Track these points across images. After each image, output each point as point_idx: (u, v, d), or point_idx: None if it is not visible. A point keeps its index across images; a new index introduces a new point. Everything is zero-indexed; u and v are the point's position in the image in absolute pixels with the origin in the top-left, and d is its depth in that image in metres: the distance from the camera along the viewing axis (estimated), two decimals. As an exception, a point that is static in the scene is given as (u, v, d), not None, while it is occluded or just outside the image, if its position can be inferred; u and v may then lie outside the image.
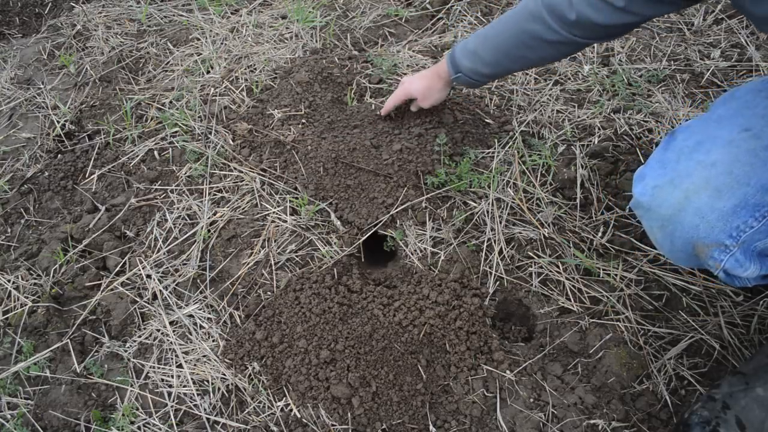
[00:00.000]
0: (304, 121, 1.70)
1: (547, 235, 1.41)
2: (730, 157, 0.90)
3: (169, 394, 1.24)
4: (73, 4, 2.51)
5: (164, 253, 1.47)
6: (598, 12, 1.05)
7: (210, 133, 1.72)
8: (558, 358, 1.26)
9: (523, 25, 1.17)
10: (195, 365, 1.27)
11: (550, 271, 1.36)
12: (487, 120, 1.67)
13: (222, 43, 2.09)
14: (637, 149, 1.55)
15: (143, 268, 1.43)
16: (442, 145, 1.53)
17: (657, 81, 1.77)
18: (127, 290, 1.41)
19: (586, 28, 1.09)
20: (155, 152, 1.73)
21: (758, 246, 0.92)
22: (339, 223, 1.46)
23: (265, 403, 1.21)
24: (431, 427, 1.16)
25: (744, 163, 0.89)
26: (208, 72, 1.96)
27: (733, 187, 0.89)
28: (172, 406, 1.22)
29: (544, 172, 1.54)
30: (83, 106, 1.94)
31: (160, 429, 1.19)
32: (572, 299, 1.32)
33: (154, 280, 1.41)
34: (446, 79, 1.44)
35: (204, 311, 1.35)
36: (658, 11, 1.05)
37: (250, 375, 1.25)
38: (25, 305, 1.40)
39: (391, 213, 1.44)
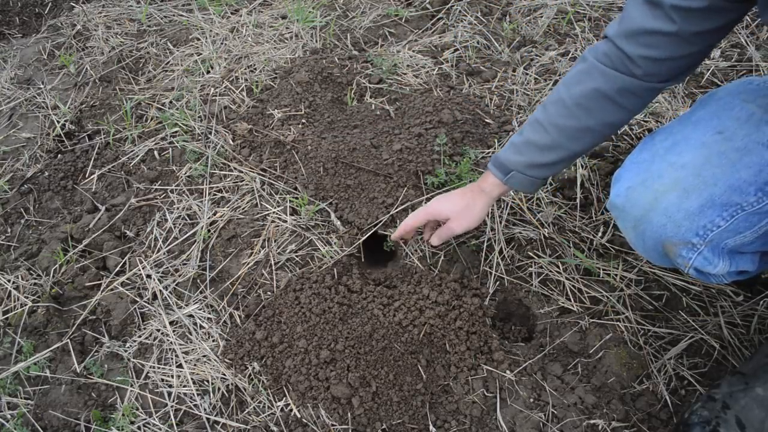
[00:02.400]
0: (304, 121, 1.70)
1: (547, 235, 1.41)
2: (701, 159, 0.92)
3: (169, 394, 1.24)
4: (73, 4, 2.51)
5: (164, 253, 1.47)
6: (655, 48, 0.93)
7: (210, 133, 1.72)
8: (558, 358, 1.26)
9: (576, 88, 1.02)
10: (195, 365, 1.27)
11: (550, 271, 1.36)
12: (487, 120, 1.67)
13: (222, 43, 2.09)
14: (637, 149, 1.55)
15: (143, 268, 1.43)
16: (442, 145, 1.53)
17: (657, 81, 1.77)
18: (127, 290, 1.41)
19: (652, 72, 0.96)
20: (155, 152, 1.73)
21: (728, 244, 0.94)
22: (339, 223, 1.46)
23: (265, 403, 1.21)
24: (431, 427, 1.16)
25: (714, 165, 0.91)
26: (208, 72, 1.96)
27: (701, 187, 0.91)
28: (172, 406, 1.22)
29: (544, 172, 1.54)
30: (83, 106, 1.94)
31: (160, 429, 1.19)
32: (572, 299, 1.32)
33: (154, 280, 1.41)
34: (491, 192, 1.20)
35: (204, 311, 1.35)
36: (711, 24, 0.90)
37: (250, 375, 1.25)
38: (25, 305, 1.40)
39: (391, 213, 1.44)
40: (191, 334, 1.32)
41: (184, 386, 1.24)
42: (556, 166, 1.11)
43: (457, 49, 1.96)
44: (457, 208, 1.21)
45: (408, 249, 1.42)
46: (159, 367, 1.28)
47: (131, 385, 1.26)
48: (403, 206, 1.44)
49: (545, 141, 1.07)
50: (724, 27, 0.92)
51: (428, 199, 1.46)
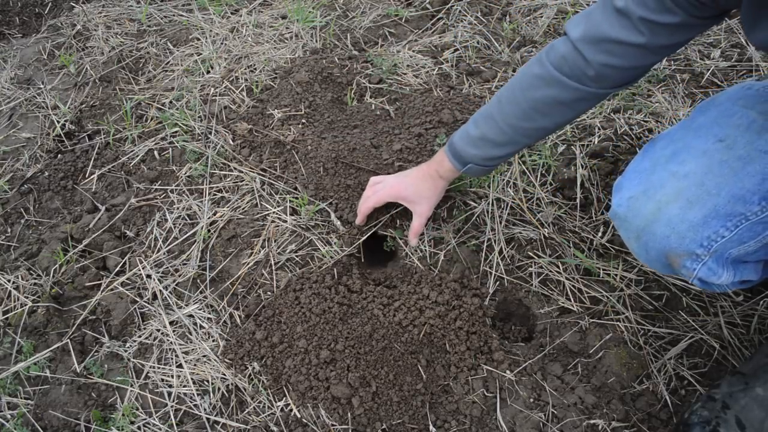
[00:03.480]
0: (304, 121, 1.70)
1: (547, 235, 1.41)
2: (703, 168, 0.91)
3: (169, 394, 1.24)
4: (73, 4, 2.51)
5: (164, 253, 1.47)
6: (619, 57, 0.94)
7: (210, 133, 1.72)
8: (558, 358, 1.26)
9: (533, 93, 1.05)
10: (195, 365, 1.27)
11: (550, 271, 1.36)
12: (487, 120, 1.67)
13: (222, 43, 2.09)
14: (637, 149, 1.55)
15: (143, 268, 1.43)
16: (442, 145, 1.53)
17: (657, 81, 1.77)
18: (127, 290, 1.41)
19: (606, 77, 0.98)
20: (155, 152, 1.73)
21: (732, 254, 0.93)
22: (339, 223, 1.46)
23: (265, 403, 1.21)
24: (431, 427, 1.17)
25: (716, 174, 0.90)
26: (208, 72, 1.96)
27: (704, 198, 0.90)
28: (172, 406, 1.22)
29: (544, 172, 1.54)
30: (83, 106, 1.94)
31: (160, 429, 1.19)
32: (572, 299, 1.32)
33: (154, 280, 1.41)
34: (448, 178, 1.28)
35: (204, 311, 1.35)
36: (680, 38, 0.92)
37: (250, 375, 1.25)
38: (25, 305, 1.40)
39: (391, 213, 1.44)
40: (191, 334, 1.32)
41: (184, 386, 1.24)
42: (509, 156, 1.22)
43: (457, 49, 1.96)
44: (421, 193, 1.30)
45: (408, 249, 1.42)
46: (159, 367, 1.28)
47: (131, 385, 1.26)
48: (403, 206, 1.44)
49: (501, 139, 1.14)
50: (689, 40, 0.94)
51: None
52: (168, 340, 1.31)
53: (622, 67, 0.95)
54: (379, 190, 1.34)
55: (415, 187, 1.31)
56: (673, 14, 0.86)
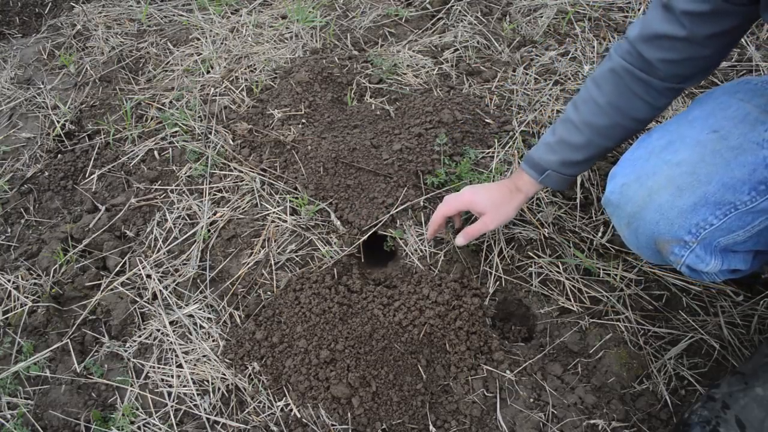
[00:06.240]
0: (304, 121, 1.70)
1: (547, 235, 1.41)
2: (696, 157, 0.92)
3: (169, 394, 1.24)
4: (73, 4, 2.51)
5: (164, 253, 1.47)
6: (669, 51, 0.97)
7: (210, 133, 1.72)
8: (558, 358, 1.26)
9: (607, 86, 1.07)
10: (195, 365, 1.27)
11: (550, 271, 1.36)
12: (487, 120, 1.67)
13: (222, 43, 2.09)
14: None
15: (143, 268, 1.43)
16: (442, 145, 1.53)
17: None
18: (127, 290, 1.41)
19: (668, 72, 1.01)
20: (155, 152, 1.73)
21: (721, 242, 0.94)
22: (339, 223, 1.46)
23: (265, 403, 1.21)
24: (431, 427, 1.17)
25: (708, 164, 0.91)
26: (208, 72, 1.96)
27: (694, 185, 0.91)
28: (172, 406, 1.22)
29: (544, 172, 1.54)
30: (83, 106, 1.94)
31: (160, 429, 1.19)
32: (572, 299, 1.32)
33: (154, 280, 1.41)
34: (527, 191, 1.23)
35: (204, 311, 1.35)
36: (719, 27, 0.93)
37: (250, 375, 1.25)
38: (25, 305, 1.40)
39: (391, 213, 1.44)
40: (191, 334, 1.32)
41: (184, 386, 1.24)
42: (588, 163, 1.17)
43: (457, 49, 1.96)
44: (494, 202, 1.23)
45: (408, 249, 1.42)
46: (159, 367, 1.28)
47: (131, 385, 1.26)
48: (403, 206, 1.44)
49: (579, 140, 1.12)
50: (731, 31, 0.94)
51: (428, 200, 1.46)
52: (168, 340, 1.31)
53: (676, 60, 0.98)
54: (451, 199, 1.28)
55: (489, 196, 1.24)
56: (706, 2, 0.89)
